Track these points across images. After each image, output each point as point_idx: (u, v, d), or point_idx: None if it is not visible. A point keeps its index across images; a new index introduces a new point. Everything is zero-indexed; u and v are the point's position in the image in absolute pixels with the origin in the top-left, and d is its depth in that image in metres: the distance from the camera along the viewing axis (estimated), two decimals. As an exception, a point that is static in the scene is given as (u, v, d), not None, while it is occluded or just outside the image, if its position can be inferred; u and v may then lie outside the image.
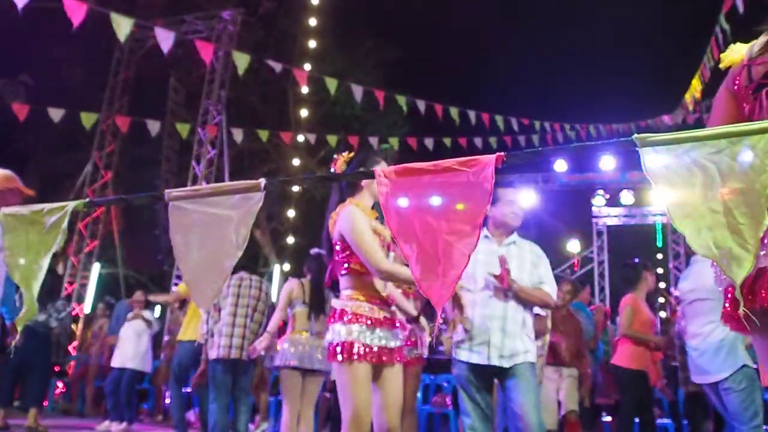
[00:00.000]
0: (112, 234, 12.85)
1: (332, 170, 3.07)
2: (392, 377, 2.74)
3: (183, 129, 10.44)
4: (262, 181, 1.51)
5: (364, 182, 2.86)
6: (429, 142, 11.90)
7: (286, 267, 14.28)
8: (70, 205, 1.67)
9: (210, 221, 1.52)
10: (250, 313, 5.28)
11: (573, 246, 14.76)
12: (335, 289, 3.11)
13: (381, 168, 2.80)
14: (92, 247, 12.58)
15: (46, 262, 1.65)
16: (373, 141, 11.96)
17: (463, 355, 3.37)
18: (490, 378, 3.39)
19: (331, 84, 8.23)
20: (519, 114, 11.90)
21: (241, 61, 7.09)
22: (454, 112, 9.95)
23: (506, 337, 3.30)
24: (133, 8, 13.54)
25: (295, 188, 14.37)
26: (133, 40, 12.84)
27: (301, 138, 13.43)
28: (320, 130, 14.88)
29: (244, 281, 5.46)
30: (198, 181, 12.26)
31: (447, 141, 12.12)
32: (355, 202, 2.82)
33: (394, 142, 12.01)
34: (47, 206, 1.68)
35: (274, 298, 7.14)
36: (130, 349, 7.62)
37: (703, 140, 1.27)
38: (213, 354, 5.18)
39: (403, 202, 1.37)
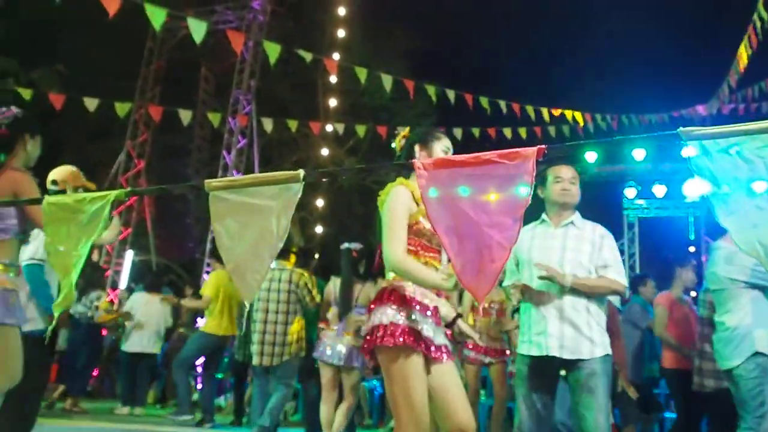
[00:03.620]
0: (145, 222, 13.05)
1: (392, 146, 2.92)
2: (449, 371, 2.43)
3: (215, 118, 10.55)
4: (301, 172, 1.53)
5: (419, 157, 2.64)
6: (458, 133, 11.84)
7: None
8: (112, 194, 1.70)
9: (250, 211, 1.54)
10: (281, 319, 5.24)
11: (603, 238, 14.52)
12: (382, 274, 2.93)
13: (443, 145, 2.78)
14: (126, 234, 12.79)
15: (86, 251, 1.68)
16: (400, 130, 11.90)
17: (523, 348, 3.14)
18: (553, 372, 3.10)
19: (361, 73, 8.23)
20: (550, 104, 11.75)
21: (272, 50, 7.11)
22: (484, 101, 9.87)
23: (565, 325, 3.01)
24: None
25: (325, 179, 14.44)
26: (165, 30, 12.96)
27: (329, 128, 13.46)
28: (348, 120, 14.90)
29: (273, 282, 5.41)
30: (228, 171, 12.38)
31: (476, 131, 12.05)
32: (404, 181, 2.60)
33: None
34: (89, 195, 1.72)
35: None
36: (148, 334, 7.83)
37: (752, 134, 1.24)
38: (252, 360, 5.30)
39: (441, 193, 1.37)
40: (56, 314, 1.75)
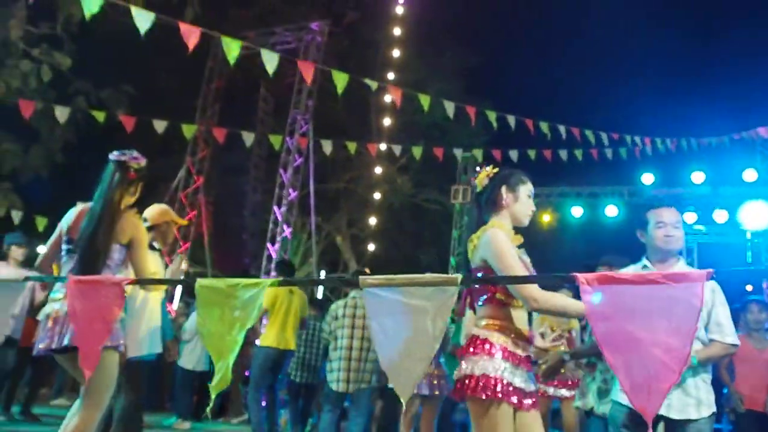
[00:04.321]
0: (202, 237, 13.37)
1: (474, 185, 2.87)
2: (533, 422, 2.44)
3: (276, 140, 10.78)
4: (459, 276, 1.59)
5: (505, 200, 2.69)
6: (513, 155, 11.82)
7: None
8: (266, 282, 1.79)
9: (405, 311, 1.61)
10: (366, 345, 5.32)
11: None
12: None
13: (528, 189, 2.75)
14: (185, 248, 13.13)
15: (242, 337, 1.77)
16: (457, 152, 11.96)
17: (621, 396, 3.01)
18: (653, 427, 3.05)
19: (425, 100, 8.30)
20: (607, 128, 11.63)
21: (340, 79, 7.24)
22: (544, 126, 9.83)
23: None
24: (222, 20, 14.07)
25: (377, 195, 14.58)
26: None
27: (383, 146, 13.58)
28: (401, 138, 15.01)
29: (358, 308, 5.50)
30: (285, 189, 12.61)
31: (532, 153, 12.01)
32: (498, 223, 2.63)
33: (477, 153, 11.97)
34: (243, 281, 1.81)
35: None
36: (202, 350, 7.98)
37: None
38: (333, 386, 5.37)
39: (606, 312, 1.41)
40: (213, 395, 1.85)
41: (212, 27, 12.66)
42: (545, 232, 14.61)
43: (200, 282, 1.89)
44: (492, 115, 8.98)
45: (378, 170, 14.55)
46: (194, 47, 6.42)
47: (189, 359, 8.03)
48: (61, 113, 9.11)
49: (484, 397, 2.28)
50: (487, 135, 15.68)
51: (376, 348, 1.67)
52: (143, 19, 6.11)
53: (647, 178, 13.47)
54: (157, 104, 13.35)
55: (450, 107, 8.49)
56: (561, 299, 2.42)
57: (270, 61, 6.90)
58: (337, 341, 5.50)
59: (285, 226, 12.46)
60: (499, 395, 2.28)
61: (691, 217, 12.66)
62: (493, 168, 2.87)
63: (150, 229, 4.31)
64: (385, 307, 1.64)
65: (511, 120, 9.26)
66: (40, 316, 2.91)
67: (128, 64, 13.16)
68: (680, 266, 3.13)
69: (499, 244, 2.46)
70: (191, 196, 13.31)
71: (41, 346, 2.83)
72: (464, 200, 14.07)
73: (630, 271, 3.33)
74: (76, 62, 11.70)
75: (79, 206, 3.23)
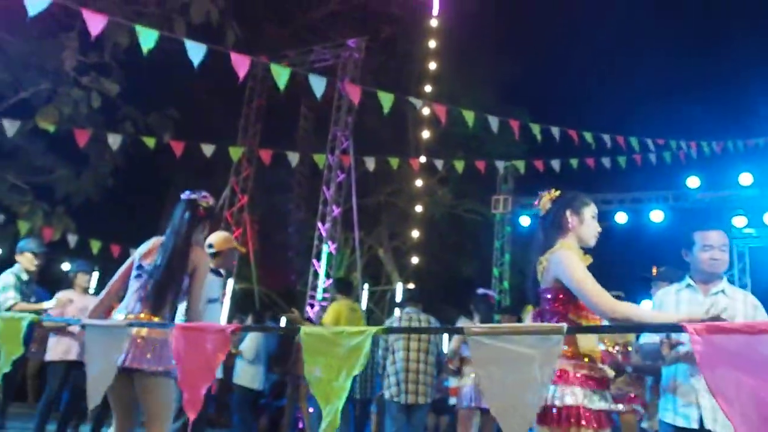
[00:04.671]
0: (248, 254, 13.60)
1: (536, 208, 2.95)
2: None
3: (320, 159, 10.96)
4: (564, 325, 1.65)
5: (571, 223, 2.73)
6: (555, 165, 11.78)
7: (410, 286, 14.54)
8: (370, 330, 1.87)
9: (511, 358, 1.67)
10: (423, 357, 5.42)
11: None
12: None
13: (592, 211, 2.80)
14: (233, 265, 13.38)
15: (349, 383, 1.86)
16: (499, 164, 11.96)
17: (667, 416, 3.12)
18: None
19: (468, 117, 8.35)
20: (650, 134, 11.52)
21: (386, 100, 7.34)
22: (588, 135, 9.80)
23: None
24: (260, 39, 14.36)
25: (418, 209, 14.64)
26: (266, 71, 13.57)
27: (423, 159, 13.65)
28: (439, 149, 15.08)
29: (413, 322, 5.63)
30: (328, 204, 12.77)
31: (574, 162, 11.94)
32: (566, 244, 2.68)
33: (519, 165, 11.96)
34: (348, 329, 1.90)
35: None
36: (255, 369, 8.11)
37: None
38: (395, 398, 5.45)
39: (719, 361, 1.45)
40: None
41: (251, 47, 12.98)
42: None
43: (305, 330, 1.98)
44: (536, 128, 8.99)
45: (419, 183, 14.61)
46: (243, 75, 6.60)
47: (245, 378, 8.18)
48: (114, 140, 9.43)
49: (565, 426, 2.34)
50: (525, 144, 15.66)
51: (485, 394, 1.73)
52: (196, 51, 6.31)
53: (692, 182, 13.27)
54: (200, 126, 13.70)
55: (494, 122, 8.53)
56: (638, 310, 2.43)
57: (317, 84, 7.05)
58: (394, 355, 5.59)
59: (330, 243, 12.60)
60: (583, 423, 2.33)
61: (740, 221, 12.42)
62: (555, 191, 2.92)
63: (214, 255, 4.50)
64: (492, 354, 1.70)
65: (555, 131, 9.25)
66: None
67: (170, 87, 13.52)
68: (726, 286, 3.21)
69: (570, 261, 2.52)
70: (236, 214, 13.56)
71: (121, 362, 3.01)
72: (504, 210, 14.05)
73: (673, 289, 3.36)
74: (123, 88, 12.10)
75: (153, 240, 3.39)
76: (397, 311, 13.53)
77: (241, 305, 14.28)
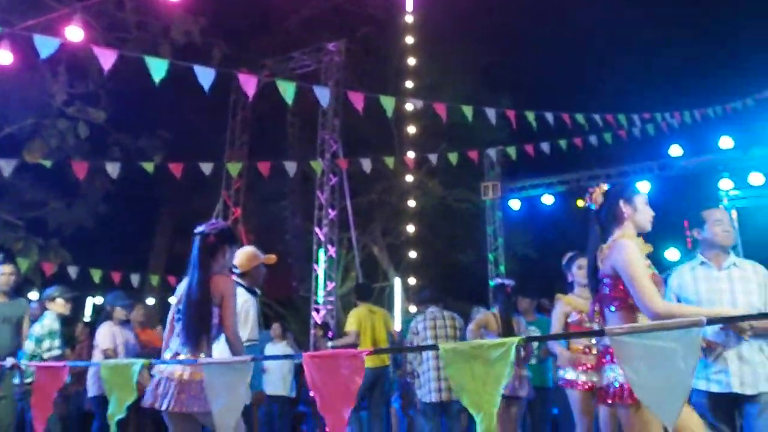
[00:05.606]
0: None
1: (588, 204, 3.08)
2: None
3: (317, 166, 11.03)
4: (704, 318, 1.81)
5: (626, 212, 2.86)
6: (545, 147, 12.00)
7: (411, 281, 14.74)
8: (513, 340, 2.02)
9: (655, 354, 1.83)
10: None
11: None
12: None
13: (643, 198, 3.03)
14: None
15: (499, 391, 2.00)
16: (491, 152, 12.16)
17: (700, 384, 3.38)
18: (731, 407, 3.37)
19: (467, 110, 8.52)
20: (636, 110, 11.82)
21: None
22: (580, 117, 10.06)
23: (744, 364, 3.29)
24: (245, 50, 14.33)
25: (411, 203, 14.79)
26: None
27: (411, 154, 13.77)
28: (424, 142, 15.22)
29: (438, 320, 5.79)
30: (323, 208, 12.85)
31: (563, 143, 12.18)
32: (627, 233, 2.81)
33: (511, 151, 12.16)
34: (488, 342, 2.05)
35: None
36: (278, 375, 8.17)
37: None
38: (426, 398, 5.60)
39: None
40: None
41: (234, 61, 12.96)
42: (584, 216, 14.78)
43: (443, 347, 2.13)
44: (530, 115, 9.19)
45: (409, 178, 14.75)
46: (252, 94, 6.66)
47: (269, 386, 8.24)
48: (113, 168, 9.37)
49: (631, 402, 2.51)
50: (506, 129, 15.85)
51: (635, 389, 1.90)
52: (205, 76, 6.33)
53: (675, 150, 13.66)
54: (189, 144, 13.64)
55: (491, 114, 8.72)
56: (688, 310, 2.53)
57: (321, 94, 7.13)
58: (422, 355, 5.74)
59: (329, 246, 12.69)
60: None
61: (726, 183, 12.82)
62: (605, 184, 3.11)
63: (242, 275, 4.49)
64: (635, 351, 1.86)
65: (550, 117, 9.48)
66: (154, 372, 3.20)
67: (155, 109, 13.43)
68: (736, 259, 3.49)
69: (629, 254, 2.64)
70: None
71: (146, 403, 3.11)
72: (494, 196, 14.24)
73: (687, 267, 3.62)
74: (109, 114, 12.02)
75: (184, 281, 3.43)
76: (409, 308, 13.67)
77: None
